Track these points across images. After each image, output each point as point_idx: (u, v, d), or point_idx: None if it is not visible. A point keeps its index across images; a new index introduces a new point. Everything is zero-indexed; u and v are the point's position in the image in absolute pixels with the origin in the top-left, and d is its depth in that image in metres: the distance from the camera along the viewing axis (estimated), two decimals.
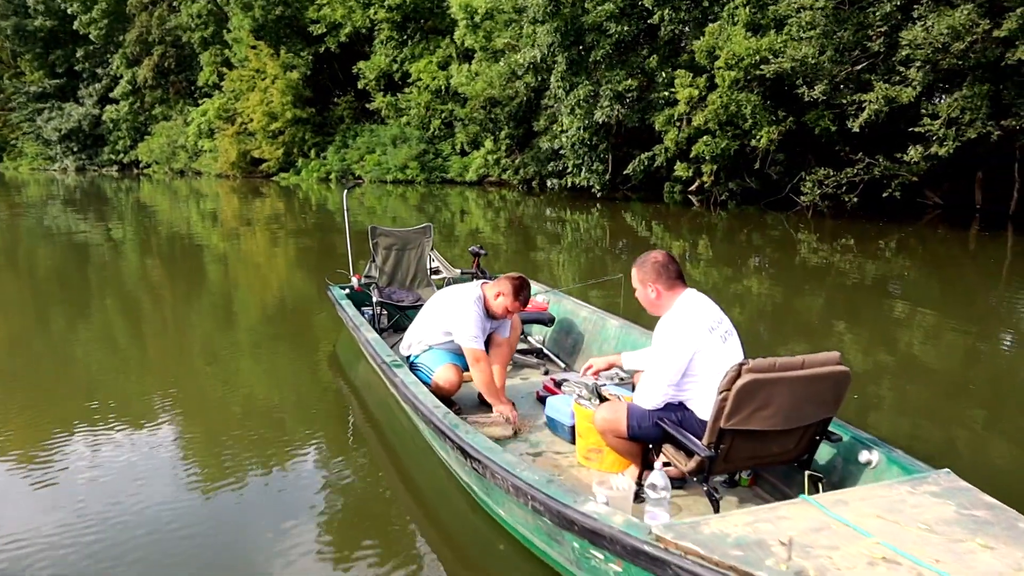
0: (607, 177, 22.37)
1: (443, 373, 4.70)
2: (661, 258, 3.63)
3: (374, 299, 6.49)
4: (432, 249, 6.88)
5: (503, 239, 16.43)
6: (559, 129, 22.75)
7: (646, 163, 21.32)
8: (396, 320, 6.63)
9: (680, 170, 20.15)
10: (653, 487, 3.26)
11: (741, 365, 3.02)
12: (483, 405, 4.96)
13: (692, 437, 3.30)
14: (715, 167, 19.40)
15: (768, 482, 3.82)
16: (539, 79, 23.23)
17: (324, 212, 22.98)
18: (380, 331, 6.30)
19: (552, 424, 4.58)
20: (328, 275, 7.51)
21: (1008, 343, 7.90)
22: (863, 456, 3.38)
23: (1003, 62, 13.56)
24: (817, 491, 3.33)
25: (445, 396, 4.75)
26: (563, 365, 5.85)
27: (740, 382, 3.00)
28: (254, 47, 36.27)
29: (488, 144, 28.11)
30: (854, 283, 11.63)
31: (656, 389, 3.49)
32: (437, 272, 6.95)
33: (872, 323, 8.71)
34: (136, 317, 9.08)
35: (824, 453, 3.58)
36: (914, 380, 6.52)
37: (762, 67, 16.98)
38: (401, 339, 6.33)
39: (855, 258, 14.17)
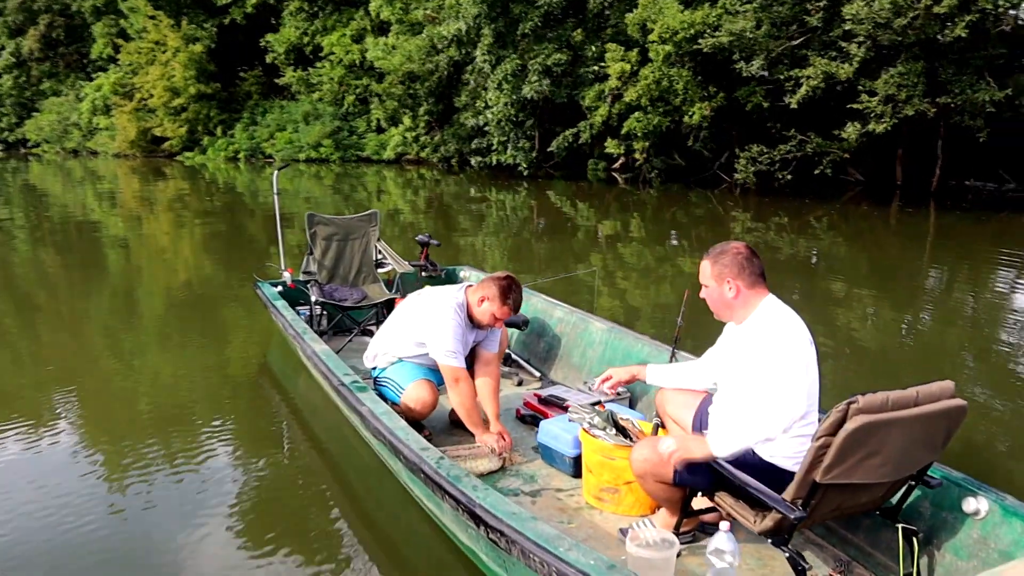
0: (534, 155, 21.64)
1: (415, 392, 3.88)
2: (744, 250, 2.91)
3: (313, 298, 5.58)
4: (379, 240, 5.99)
5: (424, 220, 15.57)
6: (483, 105, 21.87)
7: (570, 140, 20.70)
8: (338, 321, 5.74)
9: (611, 147, 19.60)
10: (719, 553, 2.56)
11: (849, 404, 2.31)
12: (457, 426, 4.16)
13: (770, 491, 2.58)
14: (647, 144, 18.90)
15: (836, 533, 3.14)
16: (463, 53, 22.23)
17: (233, 193, 21.51)
18: (320, 334, 5.40)
19: (548, 454, 3.82)
20: (256, 271, 6.54)
21: (935, 318, 8.11)
22: (968, 505, 2.72)
23: (940, 39, 13.40)
24: (912, 547, 2.68)
25: (414, 419, 3.93)
26: (537, 373, 5.09)
27: (850, 427, 2.29)
28: (153, 17, 33.86)
29: (406, 121, 26.98)
30: (789, 260, 11.57)
31: (756, 432, 2.68)
32: (382, 266, 6.07)
33: (809, 301, 8.65)
34: (28, 309, 8.15)
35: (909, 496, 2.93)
36: (853, 359, 6.47)
37: (699, 41, 16.48)
38: (345, 344, 5.51)
39: (789, 235, 14.12)
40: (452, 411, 4.19)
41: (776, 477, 2.76)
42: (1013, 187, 20.29)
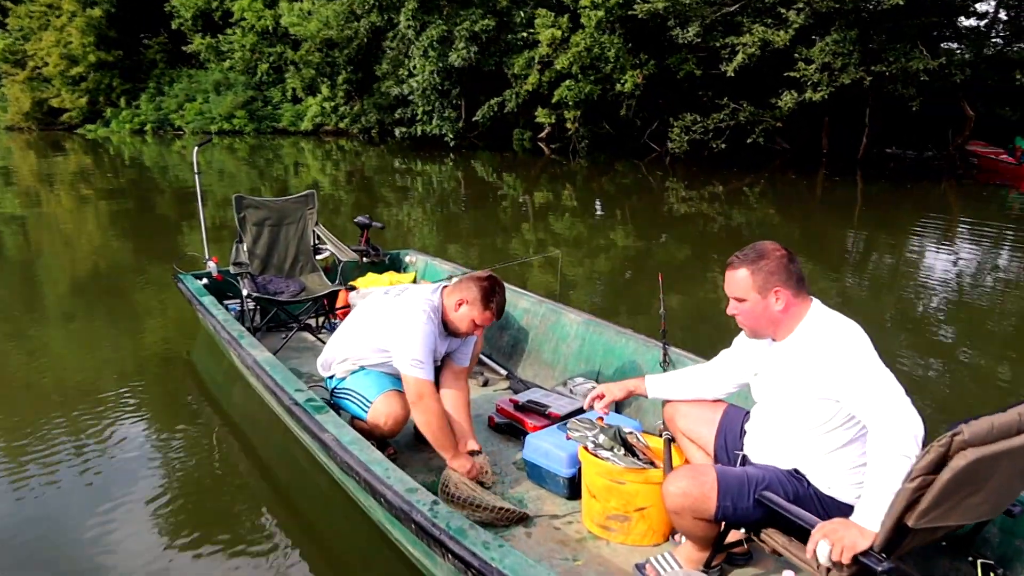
0: (460, 125, 20.94)
1: (385, 406, 3.29)
2: (782, 250, 2.46)
3: (244, 292, 4.93)
4: (317, 224, 5.35)
5: (345, 194, 14.84)
6: (406, 73, 21.00)
7: (495, 109, 20.09)
8: (272, 315, 5.11)
9: (541, 116, 19.09)
10: None
11: (953, 436, 1.88)
12: (423, 440, 3.61)
13: None
14: (578, 113, 18.44)
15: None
16: (385, 18, 21.24)
17: (140, 169, 20.13)
18: (253, 331, 4.78)
19: (536, 473, 3.33)
20: (176, 261, 5.81)
21: (866, 287, 8.29)
22: None
23: (879, 6, 13.29)
24: None
25: (381, 437, 3.39)
26: (503, 372, 4.59)
27: (959, 464, 1.85)
28: None
29: (324, 90, 25.82)
30: (723, 230, 11.59)
31: (906, 449, 2.09)
32: (320, 252, 5.45)
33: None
34: None
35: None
36: None
37: (634, 7, 16.02)
38: (283, 344, 4.90)
39: (723, 205, 14.15)
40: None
41: (833, 512, 2.35)
42: (932, 155, 20.68)
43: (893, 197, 15.76)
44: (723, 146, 17.28)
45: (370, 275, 5.64)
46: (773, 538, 2.41)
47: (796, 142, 20.45)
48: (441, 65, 19.37)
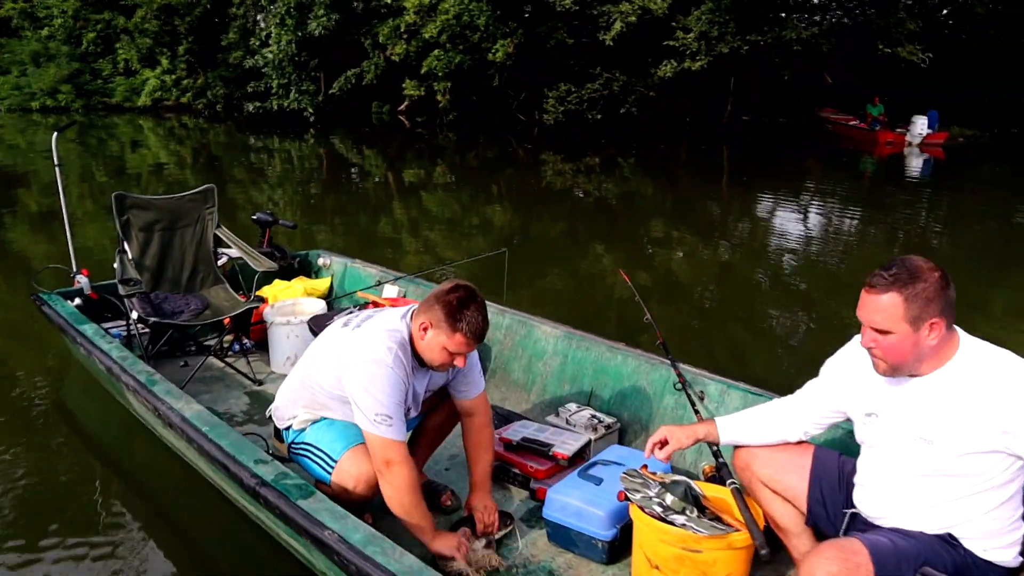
0: (320, 99, 19.66)
1: (353, 465, 2.55)
2: (939, 271, 1.95)
3: (134, 315, 4.01)
4: (219, 226, 4.45)
5: (192, 176, 13.55)
6: (257, 43, 19.45)
7: (353, 81, 19.01)
8: (168, 338, 4.22)
9: (410, 88, 18.18)
10: None
11: None
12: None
13: None
14: (448, 85, 17.67)
15: None
16: None
17: None
18: (147, 359, 3.87)
19: (563, 536, 2.72)
20: (35, 277, 4.73)
21: (742, 248, 8.77)
22: None
23: None
24: None
25: (350, 504, 2.64)
26: None
27: None
28: None
29: (164, 62, 23.66)
30: (600, 201, 11.78)
31: None
32: (218, 258, 4.57)
33: (631, 242, 8.88)
34: None
35: None
36: (676, 296, 6.70)
37: None
38: (191, 373, 4.03)
39: (598, 176, 14.29)
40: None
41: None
42: (784, 121, 21.37)
43: (757, 164, 16.26)
44: (599, 116, 17.05)
45: (277, 283, 4.80)
46: None
47: (668, 112, 20.54)
48: (299, 34, 18.01)
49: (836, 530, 2.29)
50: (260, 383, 4.14)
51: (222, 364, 4.28)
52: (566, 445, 3.14)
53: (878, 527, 2.12)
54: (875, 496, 2.12)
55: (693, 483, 2.47)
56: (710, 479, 2.83)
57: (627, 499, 2.44)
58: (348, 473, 2.55)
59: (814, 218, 10.93)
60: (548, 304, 5.87)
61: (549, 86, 17.36)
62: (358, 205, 11.31)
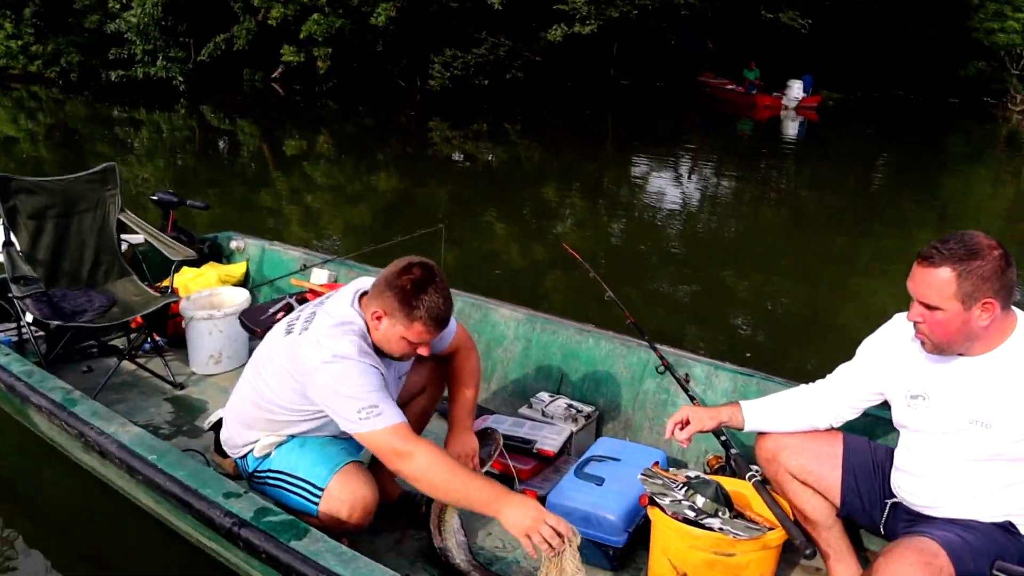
0: (190, 66, 18.41)
1: (345, 491, 2.18)
2: (999, 248, 1.80)
3: (28, 317, 3.49)
4: (123, 210, 3.92)
5: (48, 152, 12.50)
6: (117, 6, 17.96)
7: (223, 47, 17.93)
8: (67, 340, 3.70)
9: (288, 54, 17.25)
10: None
11: None
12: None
13: None
14: (329, 51, 16.88)
15: None
16: None
17: None
18: (45, 367, 3.35)
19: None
20: None
21: (624, 212, 9.20)
22: None
23: None
24: None
25: (348, 532, 2.31)
26: None
27: None
28: None
29: (8, 26, 21.51)
30: (486, 169, 11.89)
31: None
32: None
33: (519, 207, 8.99)
34: None
35: None
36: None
37: None
38: (90, 376, 3.56)
39: (487, 142, 14.30)
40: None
41: None
42: (661, 85, 21.72)
43: (640, 128, 16.54)
44: (486, 82, 16.75)
45: (187, 271, 4.32)
46: None
47: (553, 77, 20.44)
48: None
49: (872, 521, 2.17)
50: (181, 386, 3.69)
51: (133, 367, 3.80)
52: (549, 440, 2.91)
53: (927, 517, 1.99)
54: (924, 484, 1.99)
55: (719, 481, 2.29)
56: (716, 471, 2.67)
57: (652, 503, 2.23)
58: (340, 501, 2.17)
59: (698, 181, 11.45)
60: (481, 284, 5.62)
61: (434, 51, 16.88)
62: (238, 179, 10.72)
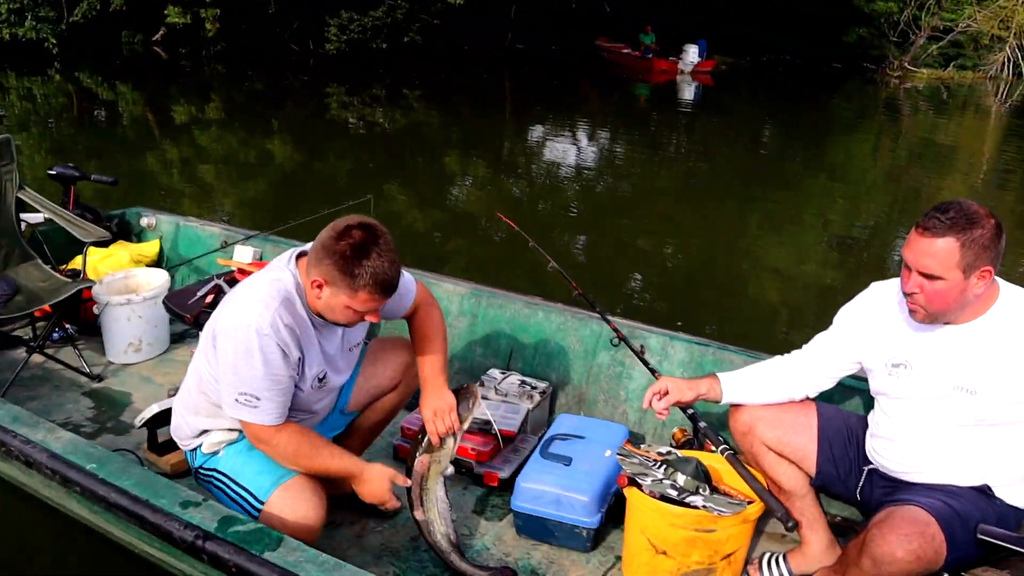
0: (63, 27, 17.15)
1: (287, 508, 2.01)
2: (994, 217, 1.80)
3: None
4: (22, 187, 3.56)
5: None
6: None
7: (98, 6, 16.81)
8: None
9: (174, 16, 16.28)
10: None
11: None
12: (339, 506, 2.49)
13: None
14: (217, 12, 16.04)
15: None
16: None
17: None
18: None
19: (538, 527, 2.43)
20: None
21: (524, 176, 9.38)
22: None
23: None
24: None
25: None
26: None
27: None
28: None
29: None
30: (387, 134, 11.77)
31: None
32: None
33: (430, 176, 9.01)
34: None
35: None
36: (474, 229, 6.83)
37: None
38: (13, 375, 3.25)
39: (384, 107, 14.18)
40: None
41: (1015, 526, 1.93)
42: (556, 48, 21.74)
43: (539, 93, 16.58)
44: (384, 46, 16.32)
45: (94, 251, 3.98)
46: None
47: (450, 40, 20.10)
48: None
49: (848, 488, 2.19)
50: (99, 378, 3.42)
51: (42, 358, 3.49)
52: (508, 420, 2.83)
53: (905, 483, 2.03)
54: (903, 450, 2.02)
55: (696, 457, 2.27)
56: (683, 444, 2.65)
57: (632, 484, 2.19)
58: (279, 519, 2.01)
59: (596, 146, 11.61)
60: (410, 258, 5.48)
61: (330, 13, 16.29)
62: (123, 149, 10.09)
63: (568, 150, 10.99)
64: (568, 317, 3.14)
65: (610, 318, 2.97)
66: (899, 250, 7.10)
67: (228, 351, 1.95)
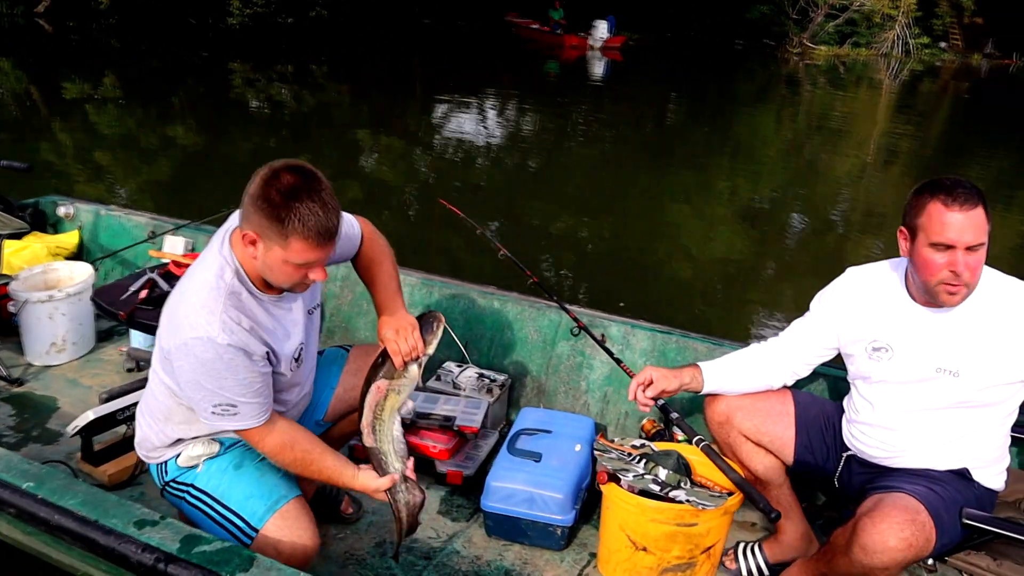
0: None
1: (285, 536, 1.85)
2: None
3: None
4: None
5: None
6: None
7: None
8: None
9: None
10: None
11: None
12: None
13: None
14: None
15: None
16: None
17: None
18: None
19: (509, 527, 2.37)
20: None
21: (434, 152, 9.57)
22: None
23: None
24: None
25: None
26: None
27: None
28: None
29: None
30: (299, 114, 11.56)
31: None
32: None
33: (325, 154, 8.86)
34: None
35: None
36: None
37: None
38: None
39: (292, 85, 13.75)
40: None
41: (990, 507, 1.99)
42: (463, 23, 21.57)
43: (449, 69, 16.43)
44: (289, 20, 15.79)
45: (8, 244, 3.68)
46: (976, 563, 1.92)
47: (356, 15, 19.65)
48: None
49: (826, 475, 2.21)
50: (19, 382, 3.16)
51: None
52: (469, 415, 2.75)
53: (885, 468, 2.05)
54: (884, 435, 2.03)
55: (674, 453, 2.24)
56: (654, 436, 2.63)
57: (612, 480, 2.15)
58: (276, 549, 1.84)
59: (507, 123, 11.75)
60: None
61: None
62: (6, 130, 9.44)
63: (477, 128, 10.95)
64: (525, 307, 3.07)
65: (569, 307, 2.92)
66: (800, 219, 7.39)
67: (186, 369, 1.77)
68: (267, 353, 1.84)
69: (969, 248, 1.78)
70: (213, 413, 1.79)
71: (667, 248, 6.37)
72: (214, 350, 1.72)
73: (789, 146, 11.52)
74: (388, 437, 1.93)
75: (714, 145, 10.91)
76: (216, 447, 1.98)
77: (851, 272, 2.12)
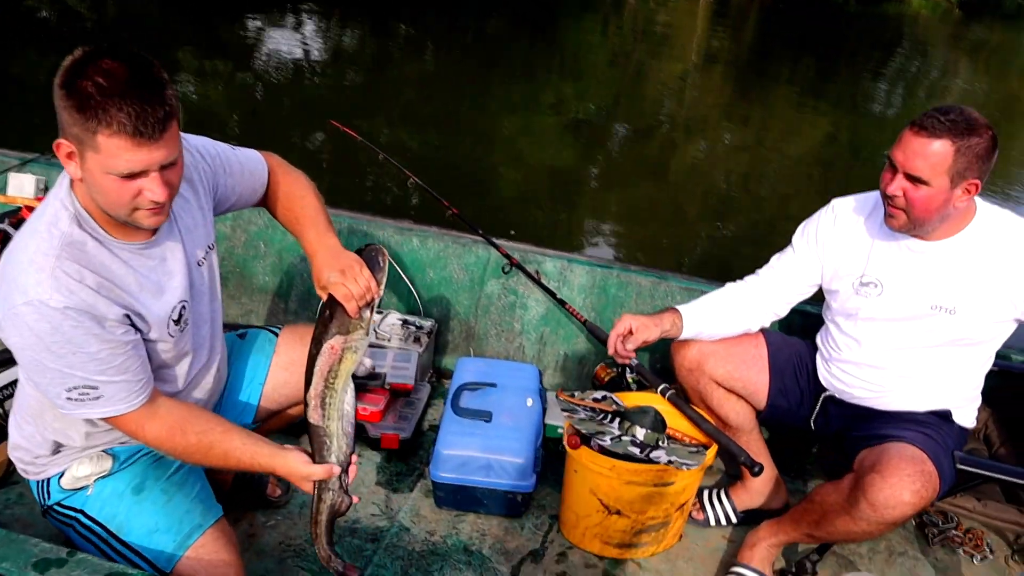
0: None
1: (205, 568, 1.53)
2: (994, 133, 1.65)
3: None
4: None
5: None
6: None
7: None
8: None
9: None
10: None
11: None
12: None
13: None
14: None
15: None
16: None
17: None
18: None
19: (463, 497, 2.14)
20: None
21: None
22: None
23: None
24: None
25: None
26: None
27: None
28: None
29: None
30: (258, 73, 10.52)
31: None
32: None
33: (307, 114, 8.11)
34: None
35: None
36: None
37: None
38: None
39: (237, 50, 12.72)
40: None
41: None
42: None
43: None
44: None
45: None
46: (962, 506, 1.85)
47: None
48: None
49: (800, 418, 2.09)
50: None
51: None
52: (401, 371, 2.46)
53: (864, 410, 1.93)
54: (871, 374, 1.90)
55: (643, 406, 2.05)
56: (607, 384, 2.42)
57: (583, 444, 1.94)
58: None
59: (325, 39, 11.29)
60: None
61: None
62: None
63: (292, 42, 10.44)
64: (448, 243, 2.76)
65: (498, 242, 2.65)
66: (627, 129, 7.39)
67: (19, 347, 1.35)
68: (126, 315, 1.41)
69: (912, 178, 1.65)
70: (69, 399, 1.38)
71: (505, 158, 6.34)
72: (49, 317, 1.30)
73: (614, 58, 11.65)
74: (338, 413, 1.54)
75: (540, 57, 10.85)
76: (108, 463, 1.59)
77: (835, 203, 1.95)
